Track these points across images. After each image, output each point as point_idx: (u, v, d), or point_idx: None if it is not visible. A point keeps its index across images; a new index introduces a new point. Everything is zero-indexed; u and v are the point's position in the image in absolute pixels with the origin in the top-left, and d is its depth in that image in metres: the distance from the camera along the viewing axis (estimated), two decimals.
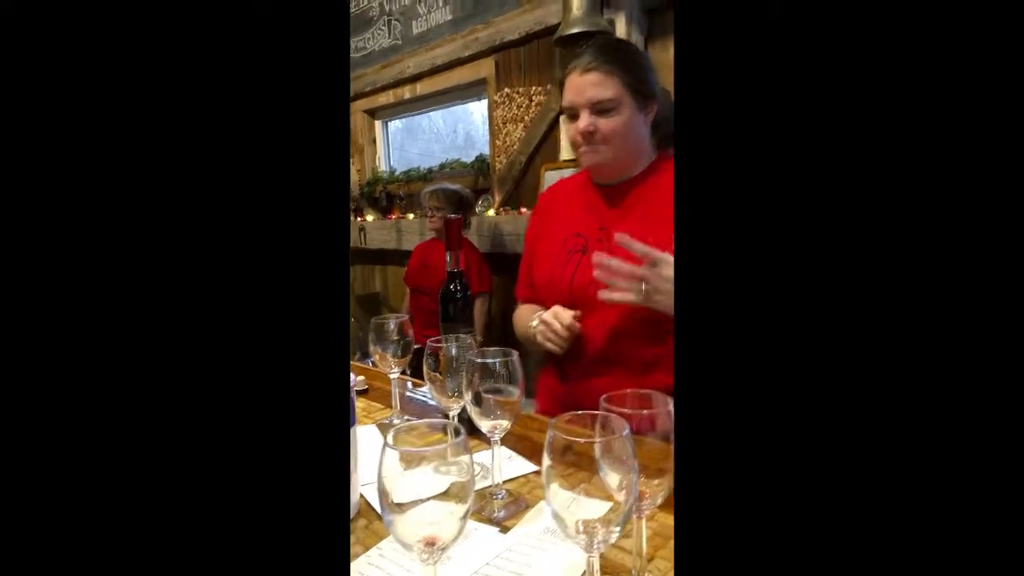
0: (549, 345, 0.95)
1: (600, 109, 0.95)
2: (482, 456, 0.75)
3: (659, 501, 0.48)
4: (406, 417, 0.95)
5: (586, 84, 0.95)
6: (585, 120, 0.96)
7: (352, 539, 0.61)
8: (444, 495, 0.43)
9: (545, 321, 0.95)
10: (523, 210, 2.35)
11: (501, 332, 2.57)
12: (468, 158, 2.68)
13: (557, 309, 0.95)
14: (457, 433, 0.44)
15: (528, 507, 0.65)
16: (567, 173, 2.24)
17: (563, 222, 1.08)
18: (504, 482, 0.69)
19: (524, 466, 0.75)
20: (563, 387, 1.04)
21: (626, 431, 0.43)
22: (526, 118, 2.34)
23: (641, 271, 0.81)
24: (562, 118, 1.04)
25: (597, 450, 0.43)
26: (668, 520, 0.60)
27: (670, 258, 0.80)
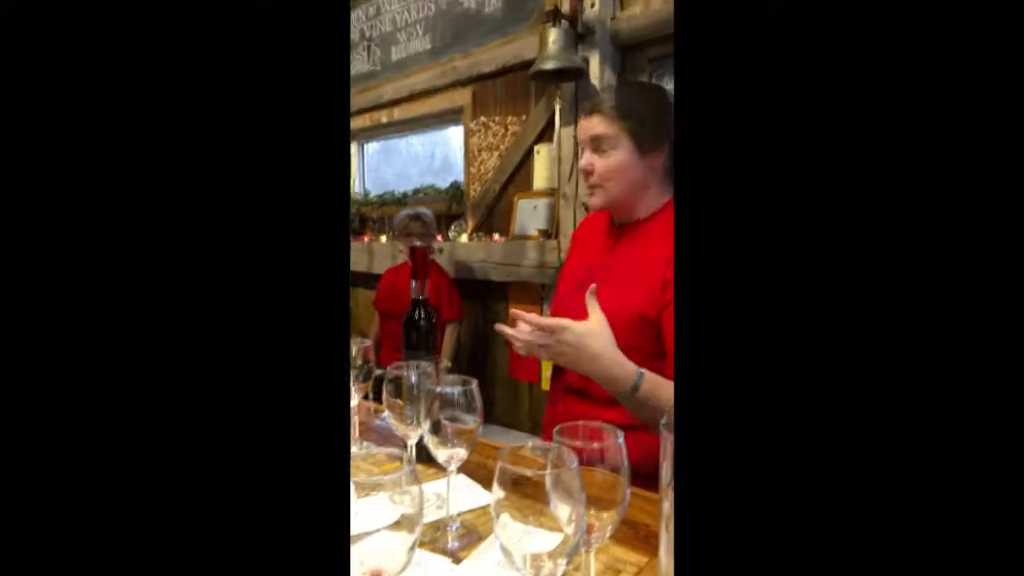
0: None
1: (598, 148, 1.00)
2: (439, 485, 0.75)
3: (608, 534, 0.49)
4: (365, 444, 0.94)
5: (587, 125, 1.00)
6: (585, 158, 1.02)
7: None
8: (393, 525, 0.43)
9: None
10: (496, 236, 2.37)
11: (470, 359, 2.57)
12: (444, 182, 2.70)
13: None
14: (409, 463, 0.44)
15: (482, 539, 0.65)
16: (540, 202, 2.28)
17: (580, 256, 1.14)
18: (460, 513, 0.69)
19: (483, 496, 0.75)
20: (549, 413, 1.09)
21: (574, 464, 0.43)
22: (501, 147, 2.37)
23: (539, 339, 0.84)
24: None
25: (548, 482, 0.44)
26: (619, 553, 0.61)
27: (571, 325, 0.82)
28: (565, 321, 0.83)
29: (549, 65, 1.87)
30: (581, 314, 0.97)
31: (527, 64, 2.04)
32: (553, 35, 1.88)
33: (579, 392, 1.00)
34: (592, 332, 0.83)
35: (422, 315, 0.87)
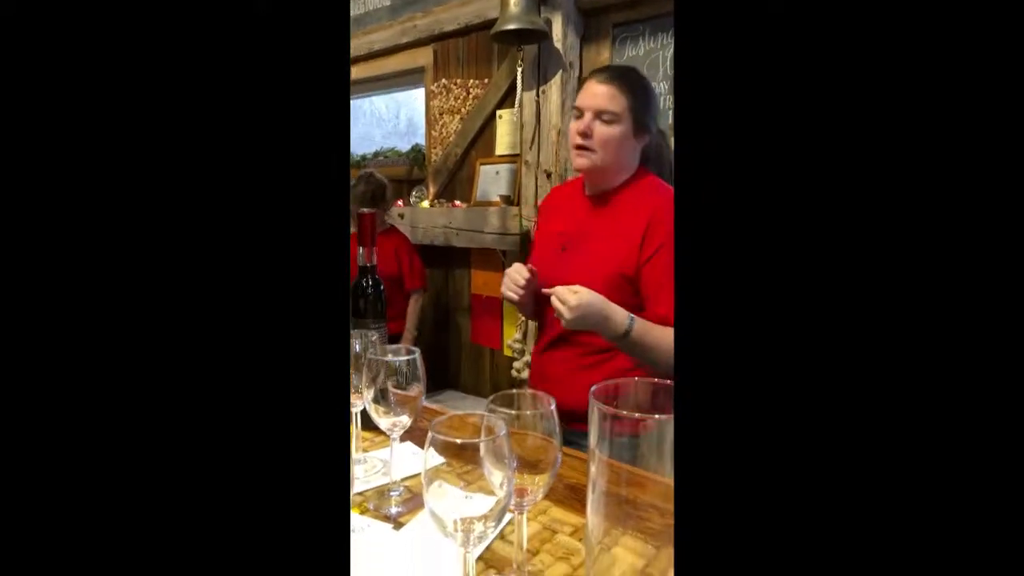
0: (510, 294, 1.09)
1: (602, 118, 1.07)
2: (385, 452, 0.75)
3: (540, 496, 0.50)
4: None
5: (599, 92, 1.07)
6: (586, 121, 1.08)
7: None
8: None
9: (507, 274, 1.11)
10: (457, 203, 2.35)
11: (432, 327, 2.57)
12: (407, 145, 2.64)
13: (517, 265, 1.11)
14: None
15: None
16: (502, 168, 2.25)
17: (555, 222, 1.23)
18: (404, 479, 0.70)
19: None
20: (537, 360, 1.21)
21: (503, 431, 0.44)
22: (463, 110, 2.33)
23: (562, 309, 0.97)
24: (571, 120, 1.15)
25: (481, 449, 0.45)
26: (557, 514, 0.62)
27: (575, 288, 0.97)
28: (571, 288, 0.96)
29: (510, 25, 1.83)
30: (562, 277, 1.08)
31: (490, 24, 1.99)
32: None
33: (563, 340, 1.13)
34: (587, 290, 0.96)
35: (370, 283, 0.86)
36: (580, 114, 1.10)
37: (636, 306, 1.04)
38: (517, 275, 1.09)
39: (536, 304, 1.15)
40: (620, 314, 0.98)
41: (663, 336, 1.00)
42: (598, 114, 1.07)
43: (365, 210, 0.89)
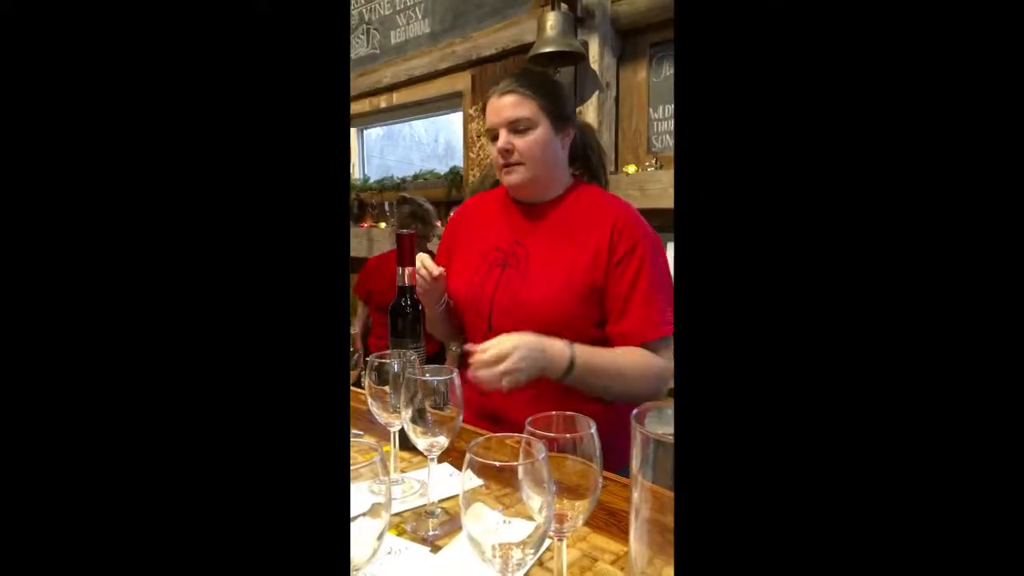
0: (418, 288, 0.99)
1: (517, 128, 1.01)
2: (422, 473, 0.75)
3: (580, 522, 0.49)
4: (353, 431, 0.94)
5: (504, 105, 1.01)
6: (503, 139, 1.01)
7: None
8: (367, 513, 0.43)
9: (422, 261, 1.02)
10: None
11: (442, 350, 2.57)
12: (446, 168, 2.68)
13: (425, 257, 1.03)
14: (374, 452, 0.44)
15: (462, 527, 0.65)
16: None
17: (483, 236, 1.13)
18: (441, 500, 0.69)
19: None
20: (481, 398, 1.04)
21: (543, 455, 0.43)
22: None
23: (500, 368, 0.85)
24: (487, 142, 1.08)
25: (520, 472, 0.44)
26: (598, 541, 0.60)
27: (515, 341, 0.86)
28: (510, 338, 0.86)
29: (548, 48, 1.85)
30: (513, 296, 1.03)
31: (527, 47, 2.02)
32: (551, 19, 1.86)
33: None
34: (512, 335, 0.87)
35: (408, 302, 0.87)
36: (495, 134, 1.03)
37: (601, 319, 1.00)
38: (427, 271, 1.00)
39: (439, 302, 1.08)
40: (557, 344, 0.89)
41: (610, 358, 0.94)
42: (511, 126, 1.01)
43: (404, 231, 0.90)
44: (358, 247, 2.91)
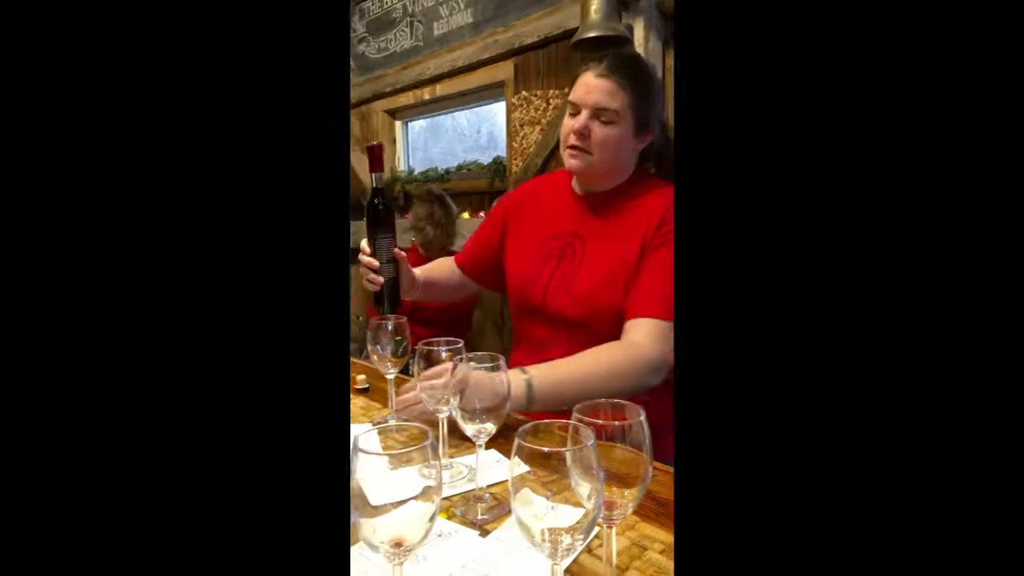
0: (366, 283, 1.03)
1: (601, 117, 0.97)
2: (471, 459, 0.76)
3: (629, 511, 0.48)
4: (403, 417, 0.96)
5: (597, 87, 0.96)
6: (583, 120, 0.97)
7: None
8: (418, 496, 0.44)
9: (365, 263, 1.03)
10: None
11: (495, 340, 2.59)
12: (489, 159, 2.69)
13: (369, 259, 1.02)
14: (425, 436, 0.45)
15: (511, 512, 0.65)
16: None
17: (542, 222, 1.11)
18: (489, 486, 0.70)
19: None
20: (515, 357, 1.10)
21: (591, 441, 0.43)
22: (543, 121, 2.34)
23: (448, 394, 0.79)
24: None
25: (568, 459, 0.44)
26: (648, 531, 0.60)
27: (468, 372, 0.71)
28: (432, 374, 0.76)
29: (592, 33, 1.82)
30: (554, 282, 1.02)
31: (570, 34, 1.99)
32: (595, 4, 1.83)
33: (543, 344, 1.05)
34: (460, 371, 0.81)
35: (381, 200, 1.01)
36: (576, 110, 0.98)
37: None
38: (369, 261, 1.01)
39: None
40: (512, 373, 0.83)
41: (574, 366, 0.89)
42: (596, 112, 0.96)
43: (374, 143, 1.02)
44: (403, 238, 2.96)
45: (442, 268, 1.29)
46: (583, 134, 0.97)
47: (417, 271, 1.15)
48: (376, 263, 1.02)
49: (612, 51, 1.04)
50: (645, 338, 0.91)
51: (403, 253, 1.05)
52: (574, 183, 1.08)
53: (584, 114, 0.96)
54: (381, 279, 1.03)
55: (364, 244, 1.04)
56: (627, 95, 0.95)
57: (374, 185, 1.02)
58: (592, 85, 0.96)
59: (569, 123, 0.99)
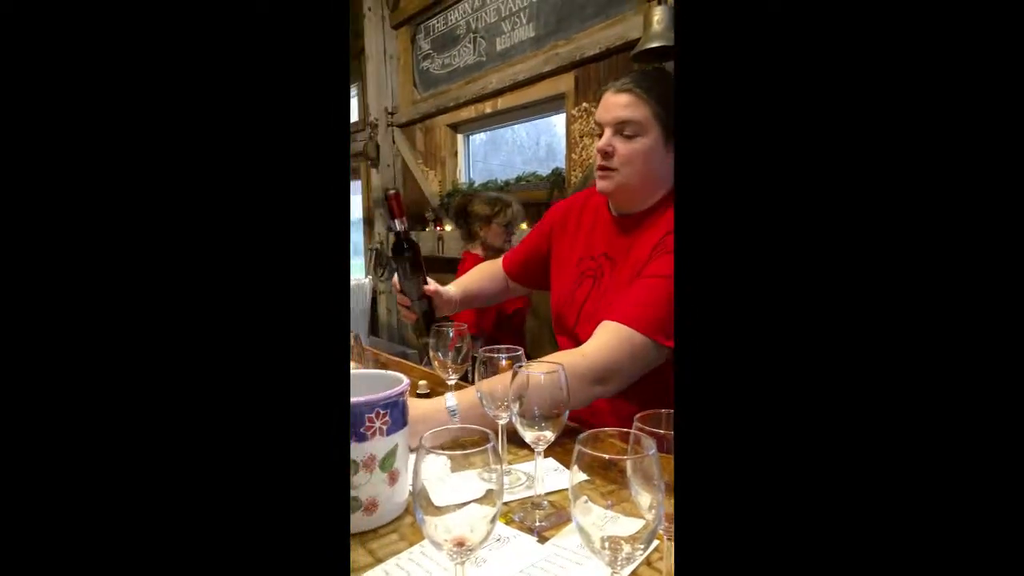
0: (404, 317, 1.15)
1: (623, 132, 0.95)
2: (528, 466, 0.77)
3: None
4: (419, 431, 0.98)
5: (615, 103, 0.95)
6: (605, 138, 0.96)
7: (397, 536, 0.64)
8: (480, 499, 0.45)
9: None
10: None
11: (553, 351, 2.58)
12: (547, 170, 2.71)
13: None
14: (487, 440, 0.46)
15: (569, 520, 0.66)
16: None
17: (580, 240, 1.11)
18: (548, 493, 0.70)
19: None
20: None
21: (652, 451, 0.43)
22: None
23: None
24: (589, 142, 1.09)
25: (629, 468, 0.44)
26: None
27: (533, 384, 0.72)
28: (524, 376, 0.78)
29: (654, 43, 1.81)
30: (588, 304, 1.02)
31: (631, 45, 1.99)
32: (658, 14, 1.82)
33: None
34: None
35: (407, 245, 1.08)
36: (600, 131, 0.97)
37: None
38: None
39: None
40: (436, 400, 0.85)
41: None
42: (618, 128, 0.94)
43: (391, 190, 1.07)
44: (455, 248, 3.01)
45: (482, 276, 1.31)
46: (607, 152, 0.96)
47: (451, 288, 1.21)
48: (408, 302, 1.13)
49: (637, 69, 1.04)
50: (593, 345, 0.87)
51: (434, 287, 1.13)
52: (610, 203, 1.07)
53: (607, 132, 0.96)
54: (415, 314, 1.13)
55: (396, 280, 1.12)
56: (649, 105, 0.93)
57: (397, 230, 1.07)
58: (611, 102, 0.96)
59: (596, 144, 0.99)
